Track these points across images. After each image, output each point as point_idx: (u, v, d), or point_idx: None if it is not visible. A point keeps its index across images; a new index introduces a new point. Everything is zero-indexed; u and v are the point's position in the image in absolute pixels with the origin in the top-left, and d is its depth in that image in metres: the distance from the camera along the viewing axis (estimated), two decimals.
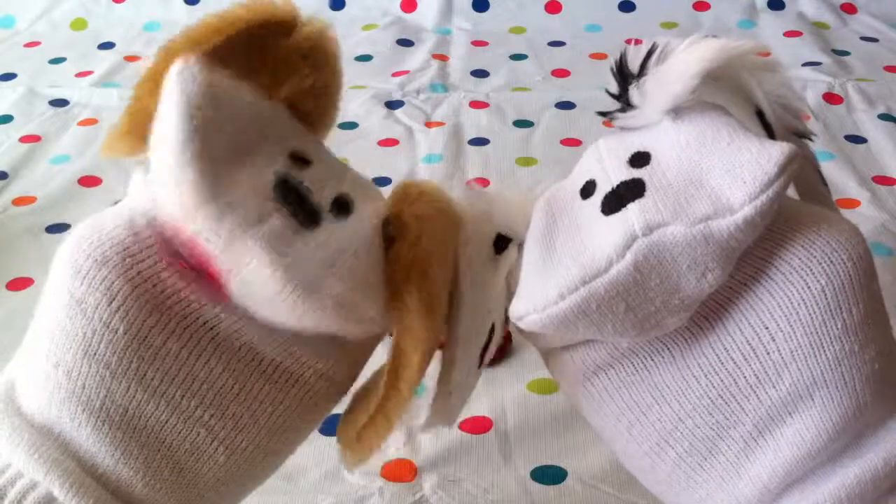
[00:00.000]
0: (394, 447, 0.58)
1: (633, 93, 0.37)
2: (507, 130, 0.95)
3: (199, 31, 0.35)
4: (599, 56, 1.09)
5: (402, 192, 0.37)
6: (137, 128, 0.34)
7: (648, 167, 0.35)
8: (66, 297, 0.34)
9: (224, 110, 0.33)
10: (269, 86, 0.37)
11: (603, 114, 0.38)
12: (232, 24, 0.35)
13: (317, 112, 0.38)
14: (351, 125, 0.95)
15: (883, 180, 0.85)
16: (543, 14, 1.19)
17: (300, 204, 0.33)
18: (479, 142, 0.93)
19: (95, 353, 0.33)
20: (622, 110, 0.37)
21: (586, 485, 0.55)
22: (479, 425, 0.60)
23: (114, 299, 0.33)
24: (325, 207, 0.34)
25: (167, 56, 0.35)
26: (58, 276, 0.34)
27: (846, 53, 1.09)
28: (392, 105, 0.99)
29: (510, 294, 0.37)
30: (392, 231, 0.36)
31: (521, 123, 0.96)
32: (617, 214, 0.34)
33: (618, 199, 0.34)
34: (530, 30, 1.17)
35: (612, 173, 0.36)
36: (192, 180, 0.31)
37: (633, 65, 0.37)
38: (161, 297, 0.34)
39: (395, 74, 1.06)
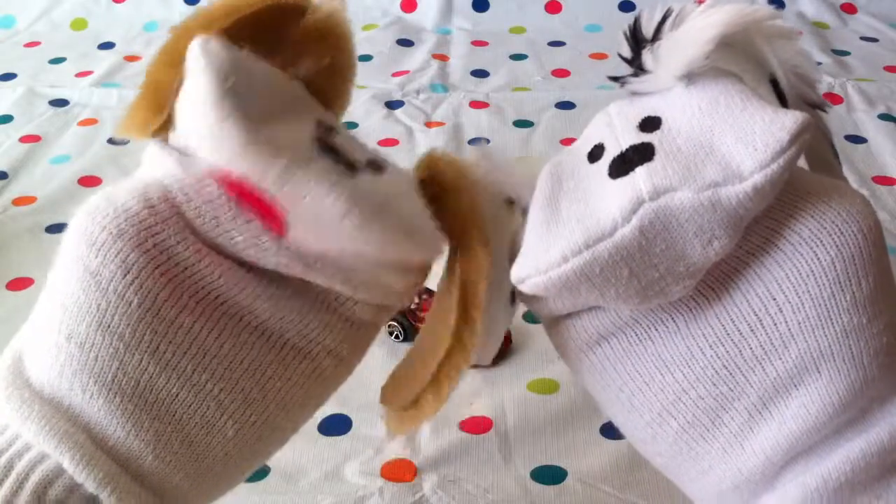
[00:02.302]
0: (395, 447, 0.58)
1: (647, 57, 0.36)
2: (507, 130, 0.95)
3: (212, 12, 0.35)
4: (599, 56, 1.09)
5: (429, 159, 0.38)
6: (152, 103, 0.35)
7: (659, 132, 0.35)
8: (80, 270, 0.34)
9: (250, 79, 0.33)
10: (283, 66, 0.37)
11: (615, 78, 0.38)
12: (243, 7, 0.35)
13: (332, 91, 0.39)
14: (351, 125, 0.95)
15: (883, 180, 0.85)
16: (543, 14, 1.19)
17: (340, 156, 0.34)
18: (480, 142, 0.93)
19: (109, 325, 0.33)
20: (634, 75, 0.37)
21: (586, 485, 0.55)
22: (479, 425, 0.60)
23: (128, 271, 0.33)
24: (361, 165, 0.35)
25: (182, 33, 0.35)
26: (71, 248, 0.34)
27: (846, 53, 1.09)
28: (392, 105, 0.99)
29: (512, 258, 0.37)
30: (431, 191, 0.36)
31: (521, 123, 0.96)
32: (624, 178, 0.34)
33: (626, 163, 0.34)
34: (530, 30, 1.17)
35: (622, 137, 0.35)
36: (234, 132, 0.32)
37: (647, 29, 0.36)
38: (175, 270, 0.34)
39: (395, 74, 1.06)
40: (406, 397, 0.37)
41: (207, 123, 0.32)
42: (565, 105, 0.99)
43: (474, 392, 0.62)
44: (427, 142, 0.92)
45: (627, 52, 0.37)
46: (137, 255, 0.33)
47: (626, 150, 0.35)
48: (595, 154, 0.36)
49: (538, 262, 0.34)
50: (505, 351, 0.65)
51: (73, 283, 0.34)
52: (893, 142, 0.91)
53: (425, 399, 0.37)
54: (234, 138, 0.32)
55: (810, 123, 0.33)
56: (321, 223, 0.33)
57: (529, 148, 0.92)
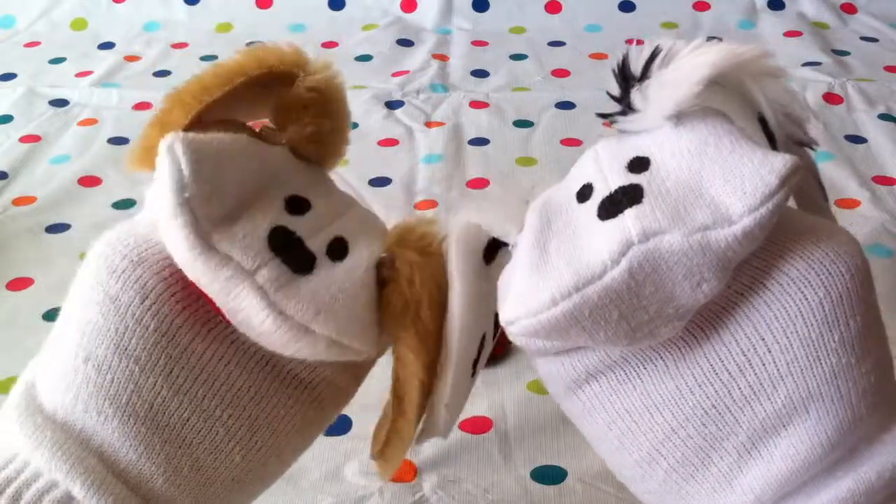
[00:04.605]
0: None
1: (636, 96, 0.36)
2: (507, 130, 0.95)
3: (206, 81, 0.37)
4: (599, 56, 1.09)
5: (400, 234, 0.38)
6: (145, 162, 0.36)
7: (647, 173, 0.34)
8: (100, 295, 0.35)
9: (215, 178, 0.34)
10: (276, 125, 0.39)
11: (603, 115, 0.38)
12: (235, 77, 0.37)
13: (319, 155, 0.40)
14: (351, 125, 0.94)
15: (883, 180, 0.85)
16: (543, 14, 1.19)
17: (293, 253, 0.35)
18: (479, 142, 0.93)
19: (126, 349, 0.34)
20: (623, 113, 0.37)
21: (586, 485, 0.55)
22: (479, 425, 0.60)
23: (146, 297, 0.34)
24: (321, 251, 0.36)
25: (175, 103, 0.37)
26: (90, 276, 0.35)
27: (846, 53, 1.09)
28: (392, 105, 0.99)
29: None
30: (386, 275, 0.37)
31: (521, 123, 0.96)
32: (613, 220, 0.33)
33: (615, 205, 0.34)
34: (530, 30, 1.17)
35: (610, 178, 0.35)
36: (184, 245, 0.33)
37: (636, 67, 0.36)
38: (190, 299, 0.35)
39: (395, 74, 1.06)
40: (375, 448, 0.40)
41: (165, 227, 0.33)
42: (565, 105, 0.99)
43: (472, 393, 0.62)
44: (427, 142, 0.92)
45: (616, 90, 0.37)
46: (156, 282, 0.35)
47: (615, 191, 0.34)
48: (584, 194, 0.36)
49: (527, 305, 0.34)
50: (505, 351, 0.65)
51: (92, 308, 0.35)
52: (893, 142, 0.91)
53: (379, 463, 0.40)
54: (185, 251, 0.33)
55: (799, 166, 0.33)
56: (256, 334, 0.34)
57: (529, 148, 0.92)
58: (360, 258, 0.37)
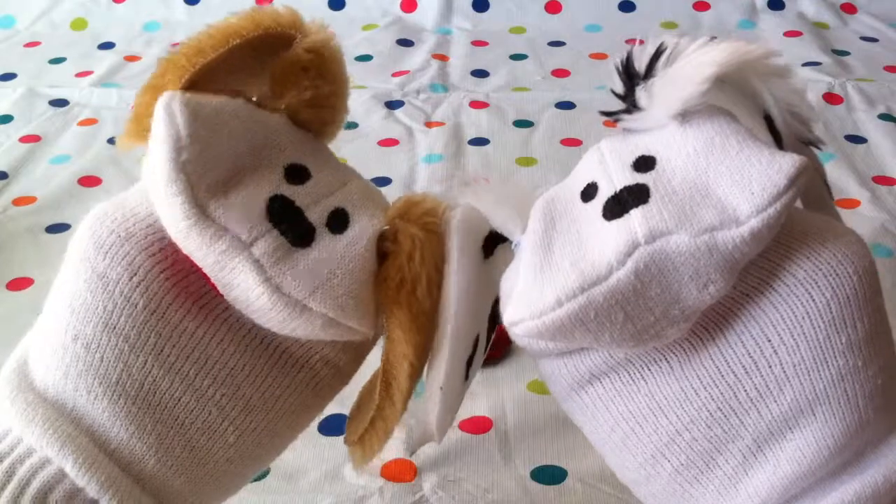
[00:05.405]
0: (394, 452, 0.58)
1: (641, 94, 0.36)
2: (507, 130, 0.95)
3: (201, 42, 0.36)
4: (599, 56, 1.09)
5: (404, 207, 0.37)
6: (138, 131, 0.35)
7: (653, 172, 0.34)
8: (87, 272, 0.34)
9: (213, 140, 0.33)
10: (270, 94, 0.38)
11: (607, 114, 0.37)
12: (230, 38, 0.36)
13: (318, 121, 0.39)
14: (351, 125, 0.95)
15: (883, 180, 0.85)
16: (543, 14, 1.19)
17: (292, 224, 0.34)
18: (479, 142, 0.93)
19: (115, 327, 0.34)
20: (627, 111, 0.36)
21: (586, 485, 0.55)
22: (479, 425, 0.60)
23: (135, 274, 0.34)
24: (321, 222, 0.35)
25: (169, 65, 0.36)
26: (78, 251, 0.35)
27: (846, 53, 1.09)
28: (392, 105, 0.99)
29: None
30: (387, 247, 0.36)
31: (521, 123, 0.96)
32: (619, 220, 0.33)
33: (620, 205, 0.34)
34: (530, 30, 1.17)
35: (615, 177, 0.35)
36: (179, 214, 0.32)
37: (640, 65, 0.36)
38: (180, 275, 0.34)
39: (395, 74, 1.06)
40: (353, 435, 0.39)
41: (160, 194, 0.33)
42: (565, 105, 0.99)
43: (472, 393, 0.62)
44: (427, 142, 0.92)
45: (620, 88, 0.36)
46: (144, 258, 0.34)
47: (621, 191, 0.34)
48: (588, 193, 0.36)
49: (532, 306, 0.33)
50: (505, 351, 0.65)
51: (80, 285, 0.34)
52: (893, 142, 0.91)
53: (355, 451, 0.39)
54: (180, 219, 0.32)
55: (808, 166, 0.33)
56: (251, 310, 0.34)
57: (529, 148, 0.92)
58: (362, 231, 0.36)
